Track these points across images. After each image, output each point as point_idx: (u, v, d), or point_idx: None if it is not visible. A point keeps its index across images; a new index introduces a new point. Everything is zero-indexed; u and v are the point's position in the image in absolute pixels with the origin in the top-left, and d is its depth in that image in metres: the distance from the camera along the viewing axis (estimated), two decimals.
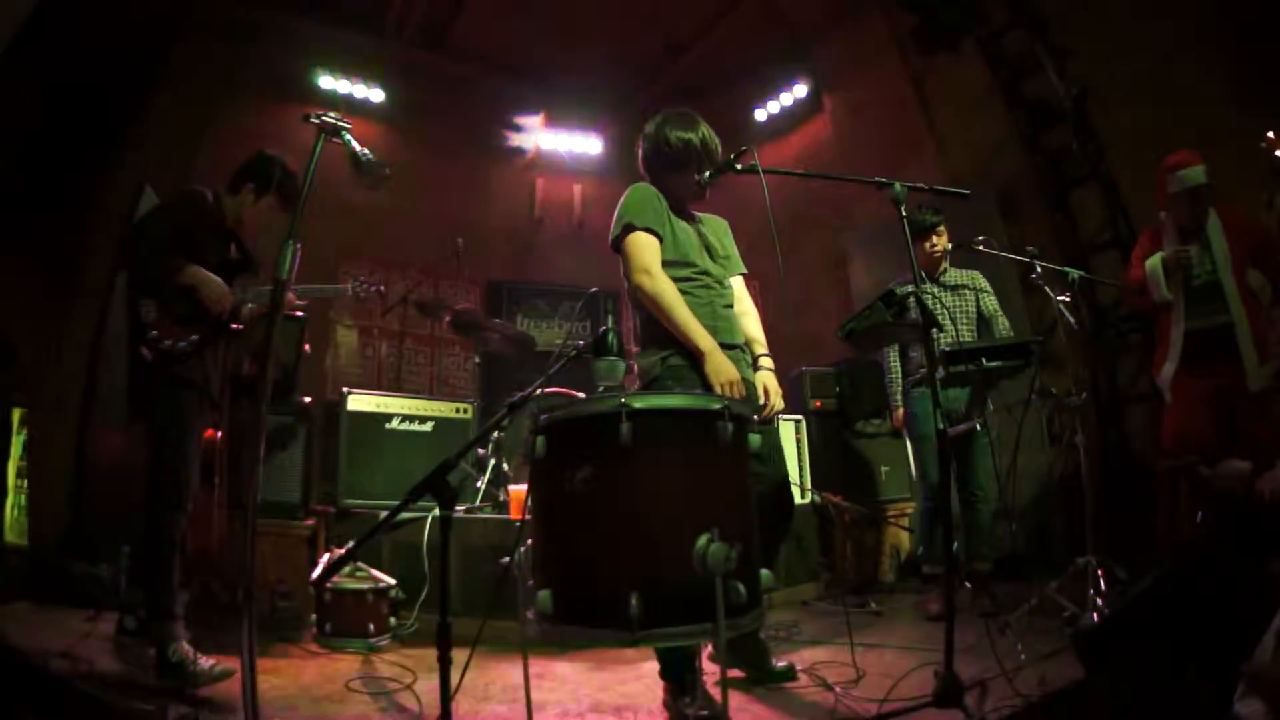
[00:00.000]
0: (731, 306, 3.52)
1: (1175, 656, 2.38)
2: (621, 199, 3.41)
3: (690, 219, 3.54)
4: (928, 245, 4.95)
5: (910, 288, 3.21)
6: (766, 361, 3.50)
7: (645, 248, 3.26)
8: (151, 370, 3.52)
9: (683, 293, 3.26)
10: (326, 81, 8.28)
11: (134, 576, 4.01)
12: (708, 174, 3.35)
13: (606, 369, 2.67)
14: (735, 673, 3.45)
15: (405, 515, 2.31)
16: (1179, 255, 4.50)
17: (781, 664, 3.52)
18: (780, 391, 3.43)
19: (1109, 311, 6.36)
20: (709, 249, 3.49)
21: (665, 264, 3.30)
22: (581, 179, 10.04)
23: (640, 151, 3.55)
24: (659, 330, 3.22)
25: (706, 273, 3.41)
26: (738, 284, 3.65)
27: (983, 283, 5.17)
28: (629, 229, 3.29)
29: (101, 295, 5.74)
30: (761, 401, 3.38)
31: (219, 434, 4.09)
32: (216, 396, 3.74)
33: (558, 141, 9.79)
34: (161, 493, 3.43)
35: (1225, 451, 4.00)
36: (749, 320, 3.62)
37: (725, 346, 3.26)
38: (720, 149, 3.45)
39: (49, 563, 4.94)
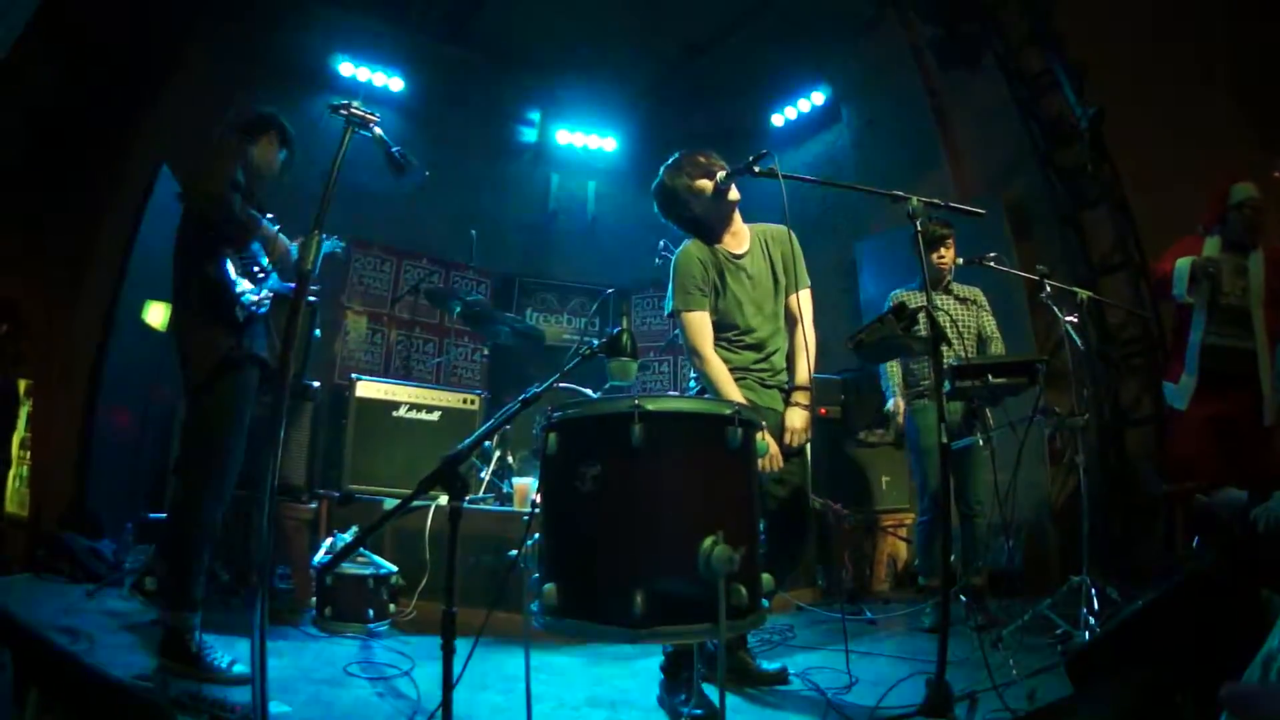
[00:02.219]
0: (769, 359, 3.54)
1: (1163, 679, 2.41)
2: (671, 267, 3.52)
3: (737, 256, 3.54)
4: (936, 257, 4.96)
5: (917, 297, 3.24)
6: (798, 396, 3.51)
7: (695, 330, 3.42)
8: (226, 339, 3.34)
9: (724, 350, 3.46)
10: (346, 69, 8.28)
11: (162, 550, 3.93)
12: (722, 175, 3.38)
13: (619, 369, 2.71)
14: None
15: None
16: (1206, 264, 4.55)
17: (774, 666, 3.56)
18: (803, 427, 3.44)
19: (1116, 334, 6.37)
20: (753, 294, 3.53)
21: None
22: (596, 175, 10.05)
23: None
24: None
25: (748, 330, 3.50)
26: (795, 301, 3.62)
27: (983, 301, 5.18)
28: (677, 312, 3.47)
29: (114, 268, 5.76)
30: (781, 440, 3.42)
31: None
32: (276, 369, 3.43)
33: (574, 137, 9.79)
34: (209, 480, 3.32)
35: (1224, 479, 4.02)
36: (798, 344, 3.58)
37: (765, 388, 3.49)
38: (708, 164, 3.47)
39: (50, 536, 4.97)
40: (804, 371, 3.53)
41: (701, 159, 3.46)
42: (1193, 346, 4.65)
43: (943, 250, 4.97)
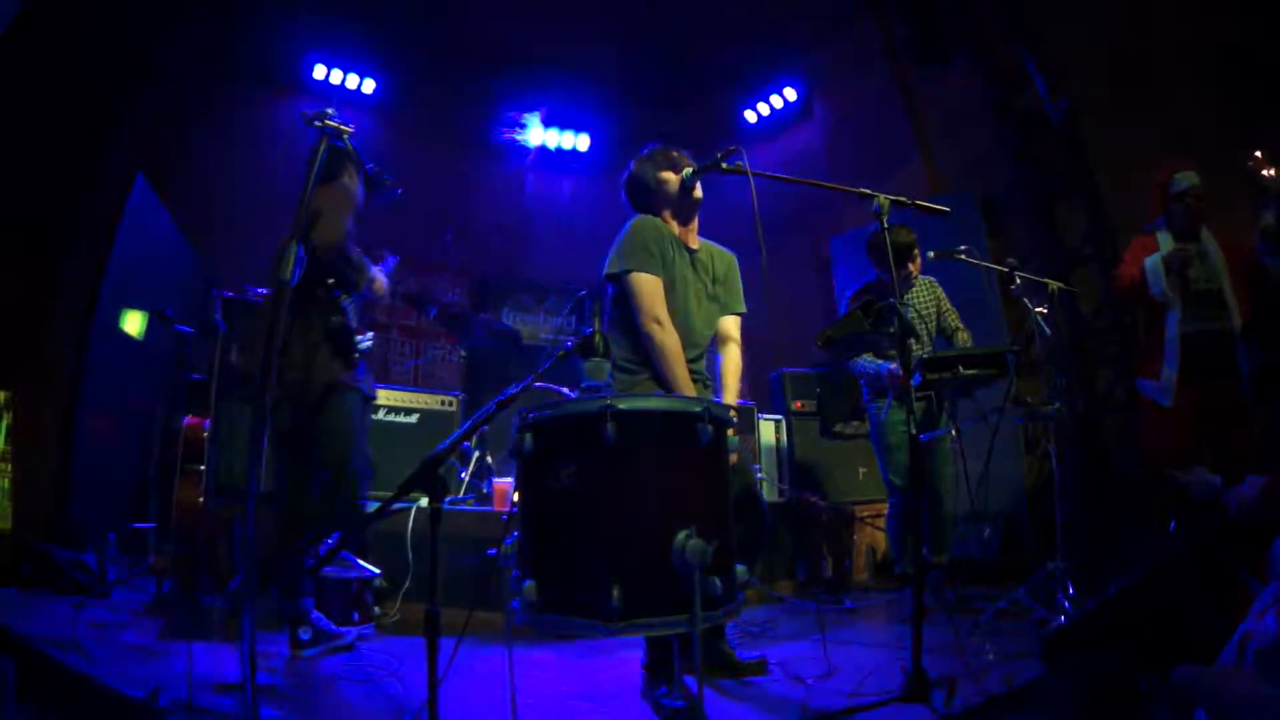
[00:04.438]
0: (696, 360, 3.47)
1: (1132, 661, 2.46)
2: (624, 231, 3.41)
3: (691, 252, 3.52)
4: (914, 266, 5.01)
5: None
6: None
7: (651, 294, 3.26)
8: (342, 370, 3.69)
9: None
10: (319, 71, 8.27)
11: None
12: (688, 171, 3.39)
13: (593, 369, 2.76)
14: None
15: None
16: (1180, 253, 4.57)
17: (754, 656, 3.60)
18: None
19: (1088, 323, 6.44)
20: (698, 284, 3.49)
21: None
22: (571, 175, 10.09)
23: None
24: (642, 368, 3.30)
25: (686, 317, 3.42)
26: (729, 323, 3.62)
27: (941, 292, 5.25)
28: (627, 271, 3.29)
29: (91, 277, 5.73)
30: None
31: (206, 422, 4.14)
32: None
33: (548, 137, 9.81)
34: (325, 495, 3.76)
35: (1199, 461, 4.07)
36: (728, 365, 3.56)
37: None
38: (678, 160, 3.48)
39: (35, 548, 4.94)
40: (731, 393, 3.48)
41: (674, 154, 3.49)
42: (1171, 341, 4.63)
43: (910, 266, 5.01)
